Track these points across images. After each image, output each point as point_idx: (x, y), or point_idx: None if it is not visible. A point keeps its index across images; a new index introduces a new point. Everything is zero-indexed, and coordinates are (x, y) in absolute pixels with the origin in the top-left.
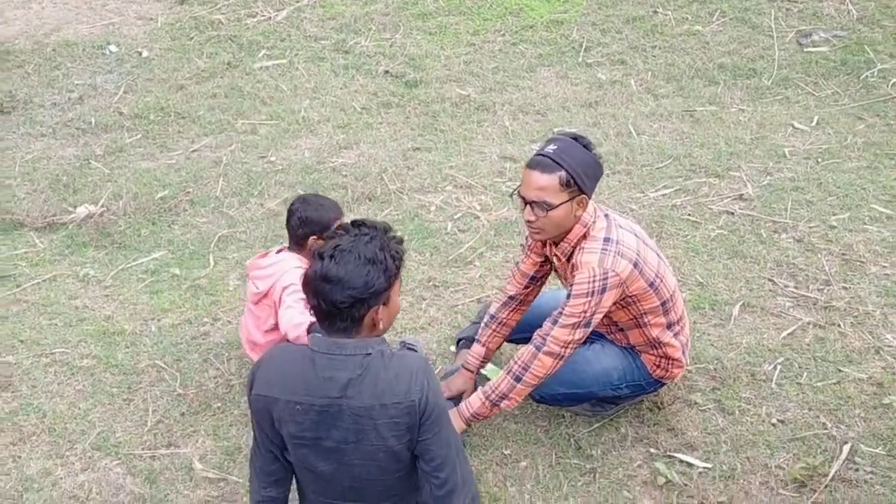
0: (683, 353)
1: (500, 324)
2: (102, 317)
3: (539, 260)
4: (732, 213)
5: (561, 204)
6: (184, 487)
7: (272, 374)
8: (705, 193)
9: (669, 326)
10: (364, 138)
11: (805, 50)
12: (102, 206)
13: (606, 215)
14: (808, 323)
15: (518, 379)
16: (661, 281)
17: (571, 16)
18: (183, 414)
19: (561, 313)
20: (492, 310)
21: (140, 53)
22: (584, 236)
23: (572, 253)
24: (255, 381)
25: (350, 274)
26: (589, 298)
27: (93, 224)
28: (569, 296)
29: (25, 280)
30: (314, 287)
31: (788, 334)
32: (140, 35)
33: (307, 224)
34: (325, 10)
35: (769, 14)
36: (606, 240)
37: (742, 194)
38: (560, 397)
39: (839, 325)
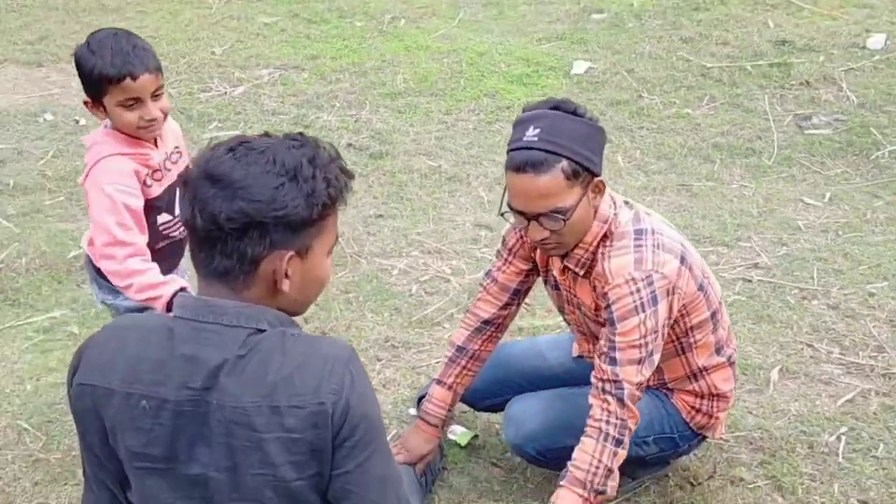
0: (735, 382)
1: (470, 357)
2: None
3: (525, 268)
4: (750, 281)
5: (578, 203)
6: None
7: (107, 354)
8: (714, 262)
9: (719, 350)
10: None
11: (806, 132)
12: (1, 262)
13: (627, 201)
14: (869, 390)
15: (619, 442)
16: (709, 282)
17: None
18: (36, 483)
19: (612, 347)
20: (457, 340)
21: (77, 121)
22: (606, 235)
23: (590, 263)
24: (80, 364)
25: (252, 178)
26: (641, 316)
27: None
28: (609, 321)
29: None
30: (192, 189)
31: (847, 401)
32: (80, 105)
33: (78, 73)
34: (286, 87)
35: (763, 99)
36: (638, 232)
37: (757, 263)
38: (564, 452)
39: None
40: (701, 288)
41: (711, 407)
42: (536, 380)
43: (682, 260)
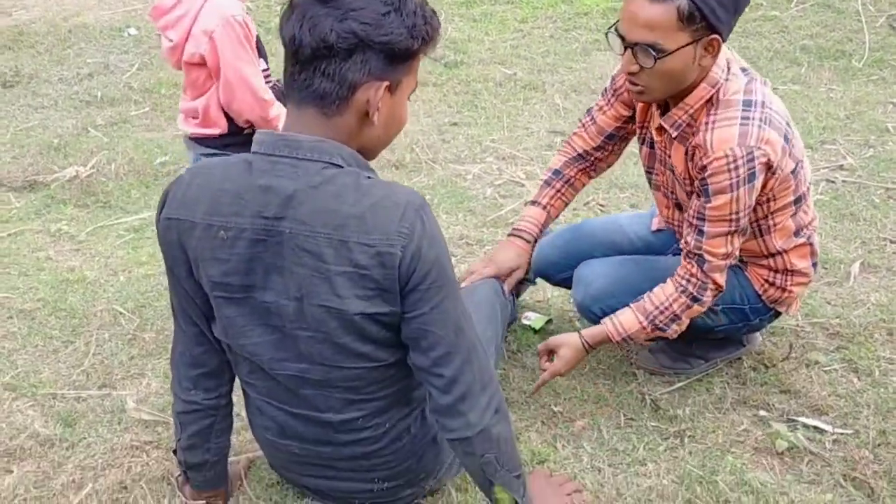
0: (813, 259)
1: (565, 182)
2: (65, 268)
3: (626, 114)
4: (833, 182)
5: (678, 49)
6: (107, 431)
7: (193, 190)
8: None
9: (798, 232)
10: None
11: None
12: (92, 167)
13: (744, 68)
14: None
15: (695, 299)
16: (802, 166)
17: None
18: (132, 357)
19: (700, 218)
20: (554, 165)
21: (159, 35)
22: (711, 101)
23: (689, 126)
24: (167, 200)
25: (362, 2)
26: (736, 193)
27: (77, 184)
28: (702, 193)
29: None
30: (303, 8)
31: None
32: None
33: None
34: None
35: (855, 0)
36: (747, 104)
37: (842, 165)
38: None
39: None
40: (794, 172)
41: (786, 280)
42: (614, 252)
43: (786, 138)
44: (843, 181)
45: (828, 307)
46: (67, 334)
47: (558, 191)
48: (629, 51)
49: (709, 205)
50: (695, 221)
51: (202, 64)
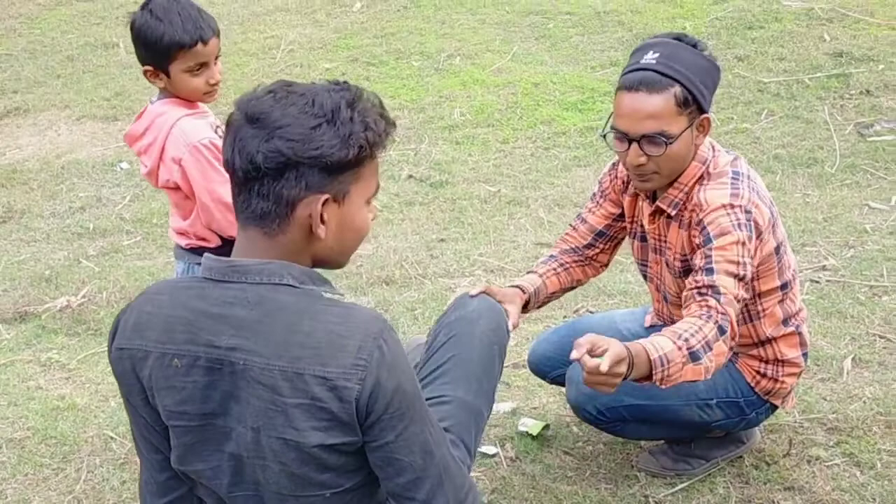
0: (803, 350)
1: (559, 264)
2: (56, 396)
3: (615, 212)
4: (818, 282)
5: (682, 133)
6: None
7: (144, 317)
8: None
9: (786, 321)
10: (383, 232)
11: (868, 139)
12: (83, 296)
13: (727, 151)
14: None
15: (721, 330)
16: (786, 250)
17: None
18: (124, 482)
19: (707, 259)
20: (548, 253)
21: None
22: (702, 176)
23: (685, 205)
24: (118, 329)
25: (289, 118)
26: (739, 234)
27: (69, 314)
28: (704, 242)
29: None
30: (233, 130)
31: None
32: None
33: (139, 42)
34: None
35: (822, 110)
36: (736, 174)
37: (824, 265)
38: (624, 412)
39: None
40: (777, 251)
41: (777, 371)
42: None
43: (772, 213)
44: (828, 280)
45: (824, 402)
46: (58, 461)
47: (553, 269)
48: (635, 144)
49: (714, 245)
50: (702, 264)
51: (178, 188)
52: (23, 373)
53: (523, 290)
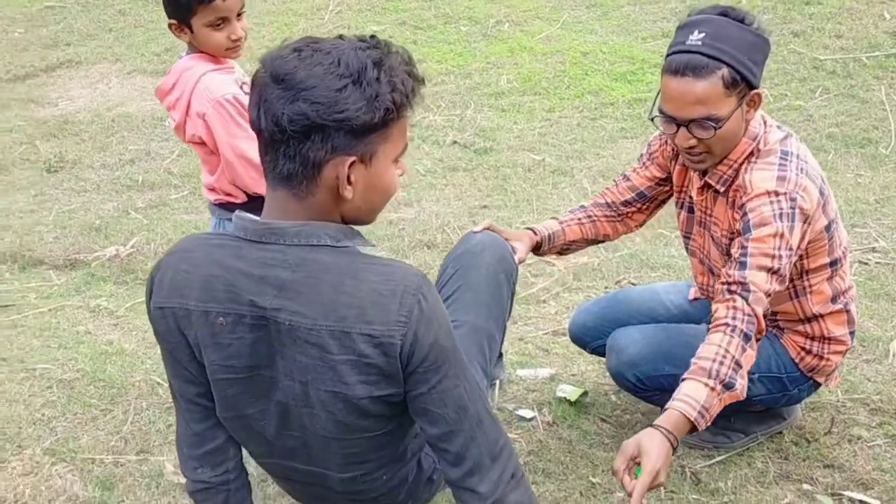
0: (850, 328)
1: (587, 215)
2: (104, 341)
3: (660, 176)
4: (867, 263)
5: (732, 114)
6: (145, 494)
7: (181, 276)
8: None
9: (835, 298)
10: (426, 197)
11: None
12: (132, 247)
13: (779, 126)
14: None
15: (747, 338)
16: (837, 227)
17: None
18: (170, 425)
19: (743, 251)
20: (584, 203)
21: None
22: (752, 153)
23: (734, 181)
24: (154, 288)
25: (314, 79)
26: (778, 224)
27: (117, 263)
28: (744, 230)
29: (29, 309)
30: (258, 90)
31: None
32: None
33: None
34: None
35: (878, 89)
36: (785, 154)
37: (874, 247)
38: (664, 381)
39: None
40: (828, 229)
41: (822, 348)
42: (650, 320)
43: (821, 192)
44: (877, 262)
45: (868, 383)
46: (106, 403)
47: (578, 219)
48: (683, 128)
49: (751, 237)
50: (737, 255)
51: (204, 143)
52: (72, 317)
53: (535, 232)
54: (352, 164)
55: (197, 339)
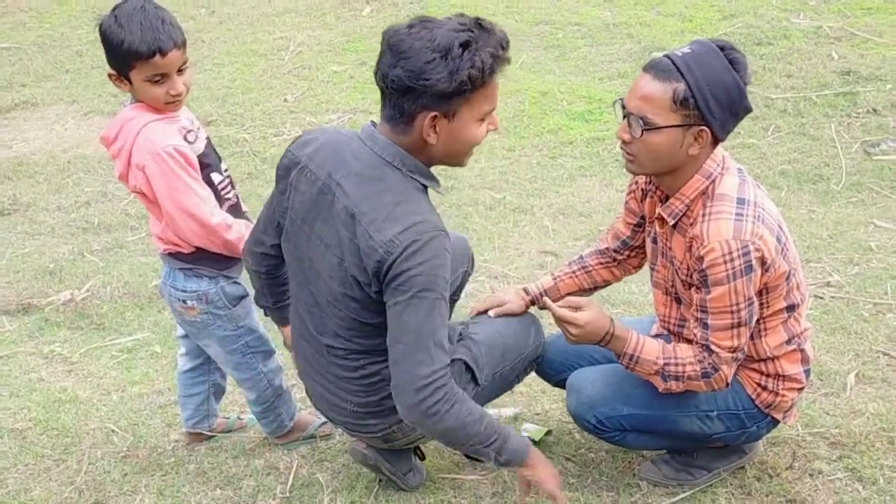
0: (805, 366)
1: (582, 267)
2: (58, 388)
3: (634, 222)
4: (822, 297)
5: (665, 127)
6: None
7: (313, 140)
8: None
9: (789, 340)
10: None
11: (874, 158)
12: (87, 291)
13: (739, 169)
14: None
15: (706, 374)
16: (796, 274)
17: (614, 133)
18: (125, 474)
19: (703, 311)
20: (583, 252)
21: None
22: (706, 193)
23: (686, 217)
24: (297, 141)
25: (412, 51)
26: (732, 285)
27: (72, 307)
28: (702, 285)
29: None
30: (380, 51)
31: None
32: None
33: (104, 46)
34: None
35: (829, 128)
36: (741, 201)
37: (829, 281)
38: (623, 421)
39: None
40: (787, 277)
41: (777, 385)
42: (613, 356)
43: (778, 239)
44: (832, 297)
45: (827, 417)
46: (59, 452)
47: (573, 272)
48: (624, 120)
49: (709, 297)
50: (698, 315)
51: (146, 194)
52: (25, 364)
53: (527, 292)
54: (434, 117)
55: (294, 180)
